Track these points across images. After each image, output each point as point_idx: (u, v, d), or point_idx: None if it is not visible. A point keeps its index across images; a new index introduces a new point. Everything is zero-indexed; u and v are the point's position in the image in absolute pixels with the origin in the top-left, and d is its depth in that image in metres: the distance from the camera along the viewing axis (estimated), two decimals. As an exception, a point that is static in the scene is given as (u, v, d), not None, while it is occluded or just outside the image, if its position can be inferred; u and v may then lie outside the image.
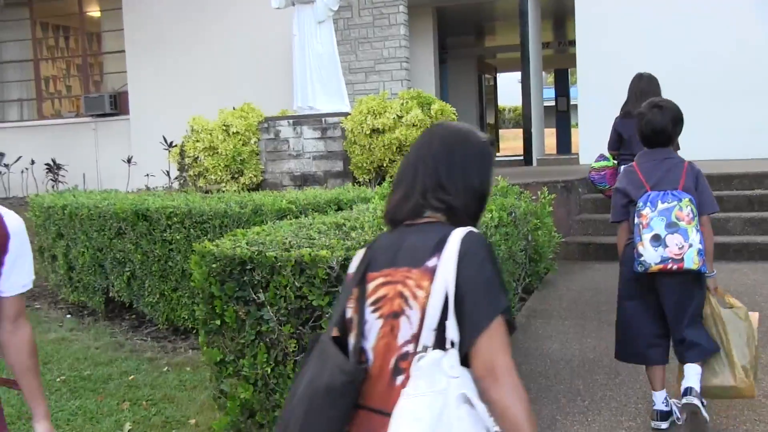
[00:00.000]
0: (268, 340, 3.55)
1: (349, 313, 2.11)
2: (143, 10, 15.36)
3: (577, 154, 13.13)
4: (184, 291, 6.27)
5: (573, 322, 6.01)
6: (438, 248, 1.96)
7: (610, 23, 12.11)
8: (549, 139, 18.71)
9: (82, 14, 16.85)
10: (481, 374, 1.84)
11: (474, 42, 21.16)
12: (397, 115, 8.17)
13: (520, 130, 18.56)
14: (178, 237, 6.53)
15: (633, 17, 11.91)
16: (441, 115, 8.23)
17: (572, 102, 22.61)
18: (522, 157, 13.51)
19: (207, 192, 9.01)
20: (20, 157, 14.34)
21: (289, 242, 3.69)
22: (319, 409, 1.98)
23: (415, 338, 1.93)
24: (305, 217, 5.21)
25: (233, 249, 3.62)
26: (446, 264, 1.92)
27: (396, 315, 1.98)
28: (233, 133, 9.09)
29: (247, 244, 3.72)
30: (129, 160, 14.20)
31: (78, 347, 6.29)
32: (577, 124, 19.18)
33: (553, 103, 22.43)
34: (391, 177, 8.14)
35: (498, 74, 24.98)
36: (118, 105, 15.82)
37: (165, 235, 6.57)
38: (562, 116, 22.10)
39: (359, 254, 2.18)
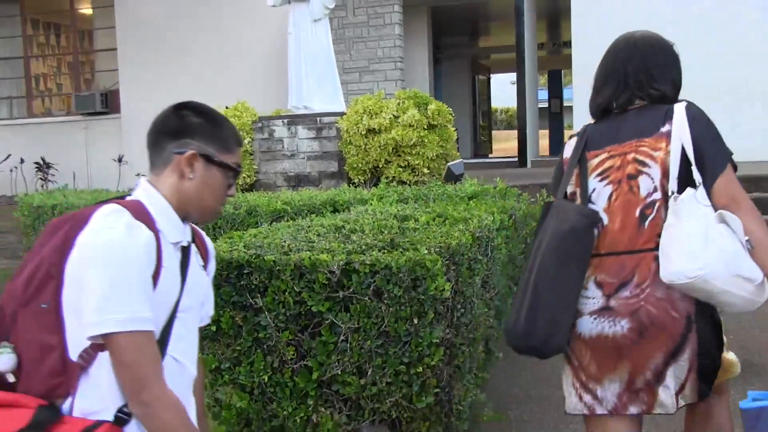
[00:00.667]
0: (265, 347, 3.41)
1: (571, 188, 2.74)
2: (136, 7, 15.17)
3: (572, 155, 13.01)
4: (178, 293, 6.13)
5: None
6: (667, 118, 2.56)
7: (607, 24, 11.98)
8: (542, 140, 18.61)
9: (74, 11, 16.65)
10: (725, 203, 2.44)
11: (468, 42, 21.09)
12: (394, 115, 8.04)
13: (513, 132, 18.52)
14: (170, 238, 6.39)
15: (630, 17, 11.82)
16: (438, 116, 8.11)
17: (565, 103, 22.60)
18: (516, 159, 13.40)
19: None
20: (9, 155, 14.20)
21: (288, 245, 3.55)
22: (568, 247, 2.56)
23: (658, 189, 2.51)
24: (302, 219, 5.08)
25: (230, 252, 3.48)
26: (679, 127, 2.52)
27: (632, 177, 2.56)
28: (226, 132, 8.93)
29: (244, 246, 3.58)
30: (120, 159, 14.09)
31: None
32: (570, 126, 19.15)
33: (546, 105, 22.35)
34: (386, 178, 8.03)
35: (491, 75, 24.91)
36: (109, 103, 15.63)
37: (158, 236, 6.42)
38: (555, 118, 22.06)
39: (571, 142, 2.83)
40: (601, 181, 2.63)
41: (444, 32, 18.03)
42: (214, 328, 3.50)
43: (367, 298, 3.23)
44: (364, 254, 3.33)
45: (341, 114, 8.61)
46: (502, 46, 20.69)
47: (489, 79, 24.59)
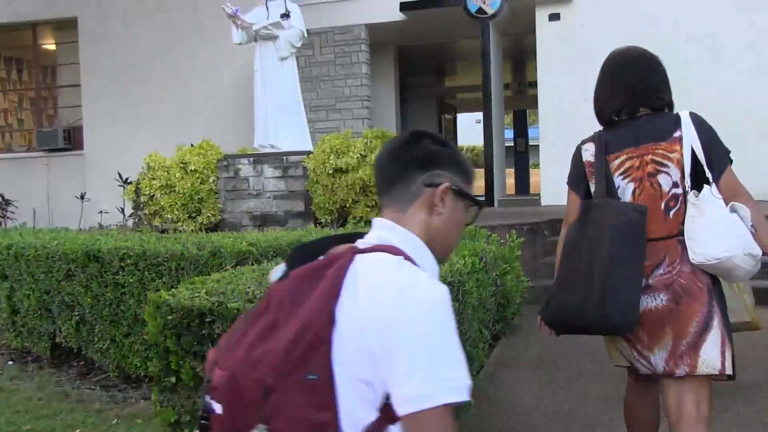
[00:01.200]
0: (227, 399, 3.25)
1: (594, 186, 3.19)
2: (100, 43, 15.00)
3: (538, 194, 13.02)
4: (137, 337, 5.88)
5: (544, 371, 5.75)
6: (677, 125, 3.06)
7: (571, 64, 12.07)
8: (508, 179, 18.60)
9: (37, 47, 16.46)
10: (729, 195, 2.96)
11: (435, 82, 21.13)
12: (361, 155, 7.92)
13: (479, 170, 18.46)
14: (131, 280, 6.16)
15: (596, 57, 11.80)
16: (406, 155, 8.00)
17: (531, 142, 22.69)
18: (483, 197, 13.31)
19: (163, 231, 8.67)
20: (-33, 191, 13.87)
21: (252, 292, 3.39)
22: (632, 238, 2.97)
23: (677, 185, 3.02)
24: (267, 261, 4.92)
25: (191, 299, 3.31)
26: (689, 133, 3.03)
27: (652, 175, 3.05)
28: (191, 170, 8.76)
29: (206, 293, 3.41)
30: (82, 197, 13.74)
31: (18, 398, 5.84)
32: (536, 165, 19.18)
33: (512, 144, 22.40)
34: (354, 218, 7.89)
35: (458, 114, 24.97)
36: (72, 140, 15.40)
37: (117, 277, 6.17)
38: (521, 156, 22.13)
39: (587, 146, 3.24)
40: (624, 179, 3.13)
41: (411, 71, 18.03)
42: (173, 380, 3.32)
43: (335, 348, 3.09)
44: (332, 302, 3.20)
45: (308, 153, 8.48)
46: (468, 86, 20.73)
47: (455, 117, 24.63)
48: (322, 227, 8.00)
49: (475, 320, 4.93)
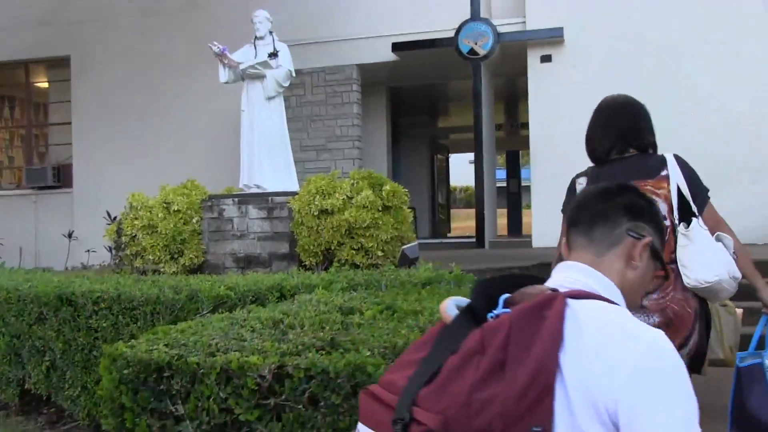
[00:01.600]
0: (186, 460, 2.99)
1: None
2: (92, 82, 15.04)
3: (530, 236, 12.83)
4: (109, 384, 5.64)
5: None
6: (663, 165, 3.47)
7: (563, 105, 11.96)
8: (500, 219, 18.45)
9: (30, 85, 16.47)
10: (712, 226, 3.38)
11: (427, 122, 21.03)
12: (347, 196, 7.70)
13: (471, 210, 18.30)
14: (104, 324, 5.91)
15: (587, 98, 11.72)
16: (393, 197, 7.79)
17: (523, 183, 22.55)
18: (474, 239, 13.11)
19: (144, 273, 8.43)
20: (-48, 228, 13.69)
21: (216, 344, 3.15)
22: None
23: (665, 218, 3.29)
24: (241, 308, 4.68)
25: (149, 352, 3.08)
26: (674, 172, 3.44)
27: None
28: (174, 211, 8.53)
29: (166, 345, 3.18)
30: (70, 235, 13.66)
31: (-16, 447, 5.60)
32: (528, 205, 19.03)
33: (504, 184, 22.27)
34: (339, 261, 7.65)
35: (450, 154, 24.85)
36: (61, 177, 15.36)
37: (90, 321, 5.93)
38: (514, 197, 21.97)
39: (581, 180, 3.67)
40: None
41: (403, 112, 17.91)
42: (128, 439, 3.08)
43: (301, 407, 2.83)
44: (300, 356, 2.96)
45: (294, 194, 8.26)
46: (461, 126, 20.62)
47: (448, 158, 24.50)
48: (307, 270, 7.76)
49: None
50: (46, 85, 16.67)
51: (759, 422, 3.39)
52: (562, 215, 3.52)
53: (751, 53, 11.57)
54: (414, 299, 4.41)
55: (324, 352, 2.99)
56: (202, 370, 2.93)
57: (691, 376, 2.80)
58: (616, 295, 1.66)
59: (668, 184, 3.43)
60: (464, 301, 1.67)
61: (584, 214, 1.79)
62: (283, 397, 2.85)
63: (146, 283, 6.43)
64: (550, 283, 1.67)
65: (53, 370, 6.16)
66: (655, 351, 1.46)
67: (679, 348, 3.23)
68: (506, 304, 1.59)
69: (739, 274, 3.32)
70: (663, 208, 3.37)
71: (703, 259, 3.27)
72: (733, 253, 3.35)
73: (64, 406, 6.13)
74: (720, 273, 3.25)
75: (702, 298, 3.42)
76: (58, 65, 15.75)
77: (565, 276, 1.70)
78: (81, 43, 15.06)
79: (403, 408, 1.47)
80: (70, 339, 5.97)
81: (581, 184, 3.66)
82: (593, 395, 1.42)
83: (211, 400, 2.92)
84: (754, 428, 3.38)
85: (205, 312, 5.93)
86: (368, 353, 2.93)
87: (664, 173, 3.46)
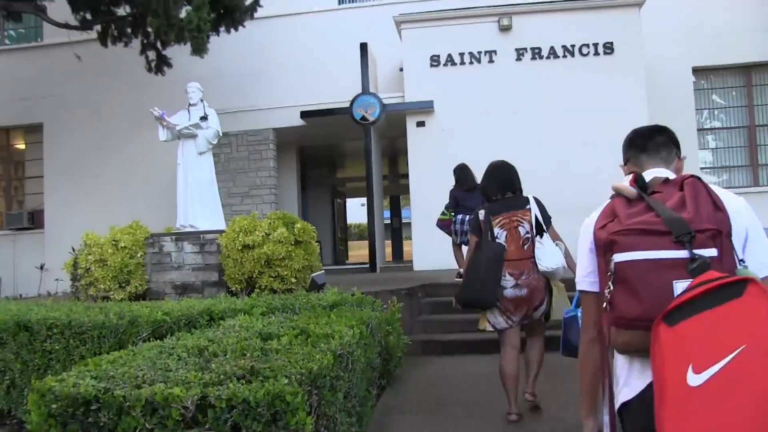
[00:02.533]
0: (112, 491, 2.39)
1: (487, 233, 4.60)
2: (60, 143, 14.82)
3: (411, 261, 12.52)
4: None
5: (424, 416, 5.03)
6: (527, 201, 4.64)
7: (434, 160, 11.80)
8: (387, 249, 18.13)
9: (9, 146, 16.03)
10: (553, 237, 4.62)
11: (328, 174, 20.60)
12: (266, 233, 7.14)
13: (364, 242, 17.94)
14: (57, 347, 5.24)
15: (453, 154, 11.63)
16: (303, 233, 7.26)
17: (404, 221, 22.43)
18: (368, 265, 12.68)
19: (96, 299, 7.64)
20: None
21: (143, 375, 2.57)
22: (498, 260, 4.51)
23: (528, 232, 4.55)
24: (176, 332, 4.08)
25: (76, 387, 2.47)
26: (533, 206, 4.62)
27: (516, 227, 4.57)
28: (121, 247, 7.77)
29: (95, 378, 2.57)
30: (41, 267, 13.25)
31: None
32: (407, 237, 18.78)
33: (389, 222, 22.01)
34: (260, 287, 7.06)
35: (347, 199, 24.51)
36: (35, 220, 14.95)
37: (45, 345, 5.27)
38: (396, 232, 21.80)
39: (480, 212, 4.71)
40: (500, 229, 4.64)
41: (310, 166, 17.44)
42: (55, 472, 2.45)
43: (224, 435, 2.29)
44: (222, 385, 2.41)
45: (221, 231, 7.64)
46: (355, 177, 20.36)
47: (345, 202, 24.15)
48: (233, 295, 7.13)
49: (364, 381, 4.19)
50: (23, 146, 16.06)
51: (576, 347, 3.20)
52: (470, 230, 4.88)
53: (581, 118, 11.67)
54: (324, 322, 3.90)
55: (244, 381, 2.46)
56: (128, 403, 2.36)
57: (545, 324, 4.87)
58: None
59: (530, 213, 4.66)
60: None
61: (651, 144, 2.08)
62: (207, 426, 2.31)
63: (94, 309, 5.75)
64: (661, 174, 1.93)
65: (13, 387, 5.44)
66: (745, 202, 1.84)
67: (536, 308, 4.66)
68: (655, 189, 1.85)
69: (566, 265, 4.58)
70: (527, 227, 4.61)
71: (549, 255, 4.53)
72: (564, 253, 4.60)
73: (24, 419, 5.35)
74: (558, 263, 4.54)
75: (546, 279, 4.68)
76: (34, 130, 15.47)
77: (662, 176, 1.91)
78: (52, 113, 14.90)
79: (683, 226, 1.63)
80: (27, 360, 5.32)
81: (482, 212, 4.75)
82: (737, 226, 1.71)
83: (137, 431, 2.33)
84: (574, 351, 3.10)
85: (144, 335, 5.28)
86: (286, 380, 2.42)
87: (528, 207, 4.68)
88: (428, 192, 11.39)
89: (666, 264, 1.60)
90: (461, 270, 8.26)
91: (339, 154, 18.26)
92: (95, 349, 5.22)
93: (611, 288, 1.64)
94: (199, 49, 9.29)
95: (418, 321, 7.65)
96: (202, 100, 8.31)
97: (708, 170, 13.19)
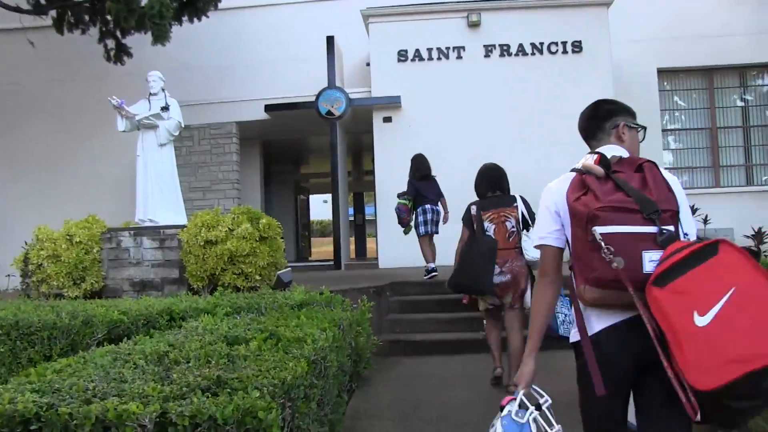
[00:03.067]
0: None
1: (475, 226, 5.20)
2: (15, 134, 14.15)
3: (375, 258, 12.26)
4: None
5: (396, 422, 4.78)
6: (514, 200, 5.23)
7: (401, 156, 11.56)
8: (350, 246, 17.83)
9: None
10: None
11: (292, 170, 20.18)
12: (229, 228, 6.81)
13: (326, 239, 17.65)
14: (2, 349, 4.78)
15: (419, 149, 11.43)
16: (268, 229, 6.95)
17: (367, 218, 22.14)
18: (332, 262, 12.38)
19: (48, 297, 7.20)
20: None
21: (94, 388, 2.25)
22: (490, 253, 5.06)
23: (514, 227, 5.16)
24: (129, 338, 3.74)
25: (14, 403, 2.14)
26: (520, 205, 5.19)
27: (503, 222, 5.17)
28: (76, 242, 7.35)
29: (37, 392, 2.24)
30: None
31: None
32: (372, 234, 18.49)
33: (352, 218, 21.68)
34: (223, 284, 6.73)
35: (310, 195, 24.12)
36: None
37: (-12, 347, 4.81)
38: (359, 229, 21.49)
39: (473, 208, 5.30)
40: (490, 223, 5.23)
41: (273, 161, 17.03)
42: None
43: (186, 457, 1.99)
44: (185, 399, 2.11)
45: (183, 226, 7.27)
46: (319, 173, 20.02)
47: (308, 198, 23.75)
48: (194, 293, 6.78)
49: (336, 386, 3.91)
50: None
51: (553, 331, 4.32)
52: (462, 222, 5.41)
53: (549, 116, 11.56)
54: (295, 325, 3.60)
55: (210, 394, 2.16)
56: (75, 421, 2.04)
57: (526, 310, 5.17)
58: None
59: (517, 210, 5.24)
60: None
61: (591, 124, 2.47)
62: (167, 447, 1.99)
63: (45, 308, 5.34)
64: (616, 152, 2.26)
65: (-54, 397, 4.91)
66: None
67: (522, 295, 5.19)
68: (614, 168, 2.14)
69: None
70: (513, 222, 5.20)
71: (532, 246, 4.22)
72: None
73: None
74: (536, 252, 4.54)
75: (529, 266, 5.15)
76: None
77: (617, 155, 2.23)
78: (5, 103, 14.13)
79: (652, 205, 1.97)
80: (-34, 364, 4.79)
81: (473, 209, 5.35)
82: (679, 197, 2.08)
83: (85, 453, 2.02)
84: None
85: (99, 336, 4.91)
86: (257, 393, 2.13)
87: (515, 204, 5.27)
88: (394, 189, 11.08)
89: (637, 237, 1.96)
90: (429, 266, 8.08)
91: (303, 150, 17.90)
92: (45, 351, 4.83)
93: (606, 251, 1.96)
94: (161, 37, 8.88)
95: (387, 320, 7.40)
96: (163, 90, 7.92)
97: (671, 170, 13.22)
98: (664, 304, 1.83)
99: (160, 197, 7.75)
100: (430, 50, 12.02)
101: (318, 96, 11.96)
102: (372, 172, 12.44)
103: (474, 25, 11.92)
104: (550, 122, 11.60)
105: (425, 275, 8.33)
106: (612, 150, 2.27)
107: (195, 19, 10.89)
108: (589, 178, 2.13)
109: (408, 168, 8.85)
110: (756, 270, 1.83)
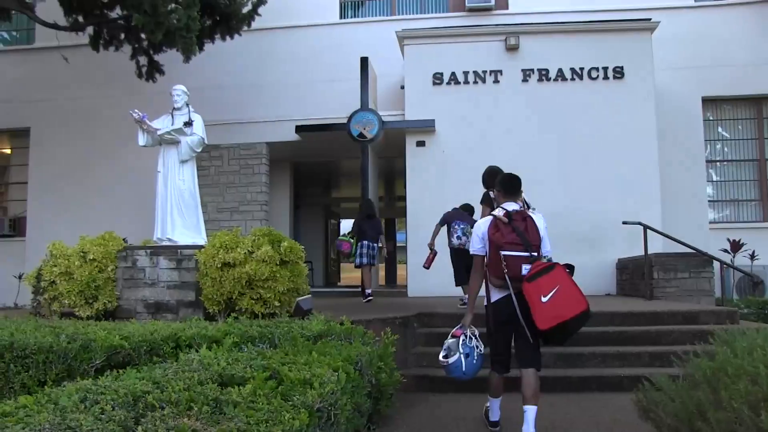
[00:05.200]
0: None
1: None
2: (46, 150, 14.16)
3: (404, 286, 11.77)
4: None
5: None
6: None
7: (433, 181, 11.14)
8: (380, 272, 17.36)
9: None
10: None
11: (322, 193, 19.89)
12: (248, 251, 6.37)
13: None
14: (-5, 373, 4.40)
15: (452, 175, 10.96)
16: (290, 252, 6.50)
17: (398, 244, 21.71)
18: (360, 289, 11.88)
19: (61, 316, 6.84)
20: None
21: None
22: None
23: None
24: (131, 365, 3.29)
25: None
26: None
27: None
28: (90, 259, 7.00)
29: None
30: (20, 276, 12.13)
31: None
32: (401, 261, 18.01)
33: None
34: (240, 309, 6.29)
35: (341, 220, 23.77)
36: (16, 227, 14.26)
37: (-21, 370, 4.42)
38: (390, 255, 21.01)
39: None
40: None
41: (303, 183, 16.72)
42: None
43: None
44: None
45: (200, 247, 6.87)
46: (350, 197, 19.66)
47: (339, 222, 23.40)
48: (210, 317, 6.35)
49: (350, 427, 3.40)
50: (9, 151, 15.32)
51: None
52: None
53: (588, 143, 11.02)
54: (304, 362, 3.11)
55: (178, 458, 1.68)
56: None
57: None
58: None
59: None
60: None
61: (513, 189, 4.43)
62: None
63: (45, 329, 4.94)
64: (515, 207, 4.34)
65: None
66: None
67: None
68: (513, 217, 4.26)
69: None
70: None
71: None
72: None
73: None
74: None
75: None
76: (20, 135, 14.84)
77: (514, 207, 4.31)
78: (40, 118, 14.29)
79: (529, 243, 4.12)
80: (-43, 387, 4.41)
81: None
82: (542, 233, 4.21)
83: None
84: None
85: (97, 363, 4.49)
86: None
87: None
88: (426, 215, 10.64)
89: (520, 258, 4.09)
90: (367, 291, 9.75)
91: (334, 173, 17.57)
92: (39, 376, 4.42)
93: (504, 263, 4.12)
94: (188, 50, 8.60)
95: (413, 353, 6.86)
96: (187, 105, 7.59)
97: (713, 203, 12.53)
98: (530, 291, 3.96)
99: (179, 216, 7.38)
100: (466, 73, 11.60)
101: (350, 118, 11.60)
102: (404, 198, 11.99)
103: (512, 48, 11.47)
104: (589, 150, 11.06)
105: (363, 299, 9.67)
106: (512, 206, 4.32)
107: (227, 37, 10.65)
108: (499, 222, 4.23)
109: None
110: (569, 278, 3.99)
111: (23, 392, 4.32)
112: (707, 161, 12.50)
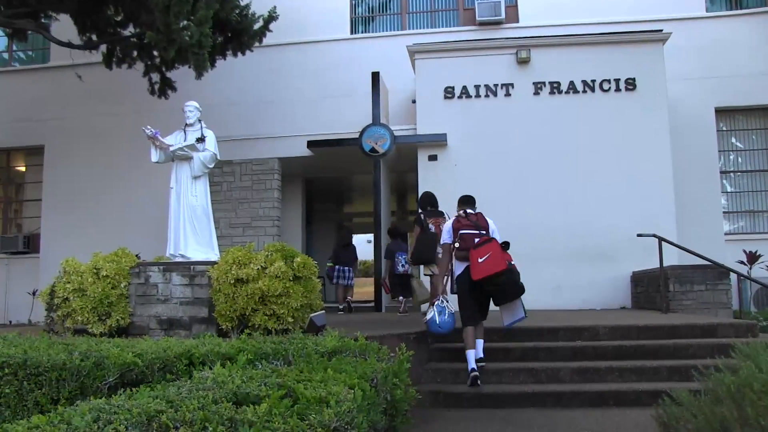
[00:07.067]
0: None
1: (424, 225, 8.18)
2: (60, 167, 14.19)
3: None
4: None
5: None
6: (443, 214, 8.10)
7: (446, 195, 11.07)
8: (392, 287, 17.22)
9: (9, 168, 15.43)
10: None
11: (335, 208, 19.86)
12: (261, 267, 6.35)
13: (368, 279, 17.11)
14: (8, 390, 4.33)
15: (465, 188, 10.91)
16: (303, 268, 6.47)
17: (410, 259, 21.53)
18: (373, 303, 11.85)
19: (74, 333, 6.83)
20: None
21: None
22: (434, 242, 7.66)
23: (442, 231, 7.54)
24: (144, 383, 3.26)
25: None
26: (447, 216, 7.80)
27: (439, 225, 7.72)
28: (103, 276, 6.99)
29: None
30: (34, 293, 12.16)
31: None
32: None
33: (395, 259, 21.09)
34: (253, 325, 6.25)
35: (353, 235, 23.66)
36: (31, 244, 14.28)
37: (-7, 387, 4.39)
38: (402, 270, 20.86)
39: (420, 217, 8.08)
40: (430, 225, 7.85)
41: (315, 198, 16.71)
42: None
43: None
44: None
45: (213, 263, 6.85)
46: (362, 212, 19.63)
47: (351, 238, 23.29)
48: (223, 334, 6.32)
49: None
50: (23, 168, 15.46)
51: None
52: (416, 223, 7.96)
53: (601, 156, 10.96)
54: (319, 379, 3.07)
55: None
56: None
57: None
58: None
59: (445, 219, 7.45)
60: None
61: (470, 204, 6.83)
62: None
63: (58, 346, 4.91)
64: (472, 210, 6.74)
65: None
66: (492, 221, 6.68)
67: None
68: (469, 216, 6.69)
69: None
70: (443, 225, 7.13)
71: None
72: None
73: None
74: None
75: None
76: (35, 152, 14.94)
77: (471, 209, 6.73)
78: (54, 136, 14.38)
79: (480, 228, 6.53)
80: (-26, 403, 4.38)
81: (421, 218, 8.03)
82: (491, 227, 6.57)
83: None
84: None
85: (110, 380, 4.45)
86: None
87: (444, 216, 7.92)
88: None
89: (473, 235, 6.41)
90: (339, 306, 11.79)
91: (346, 188, 17.56)
92: (53, 394, 4.39)
93: (462, 239, 6.42)
94: (200, 66, 8.63)
95: (427, 369, 6.79)
96: (200, 120, 7.61)
97: (727, 214, 12.40)
98: (473, 254, 6.16)
99: (191, 232, 7.38)
100: (477, 87, 11.59)
101: (362, 133, 11.60)
102: (416, 212, 11.95)
103: (523, 61, 11.46)
104: (602, 162, 10.99)
105: (339, 311, 11.18)
106: (469, 210, 6.62)
107: (239, 53, 10.70)
108: (461, 218, 6.55)
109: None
110: (500, 249, 6.17)
111: (36, 410, 4.29)
112: (721, 172, 12.39)
